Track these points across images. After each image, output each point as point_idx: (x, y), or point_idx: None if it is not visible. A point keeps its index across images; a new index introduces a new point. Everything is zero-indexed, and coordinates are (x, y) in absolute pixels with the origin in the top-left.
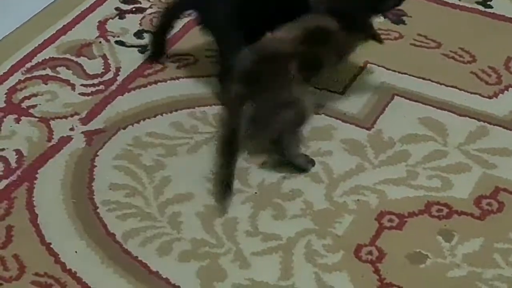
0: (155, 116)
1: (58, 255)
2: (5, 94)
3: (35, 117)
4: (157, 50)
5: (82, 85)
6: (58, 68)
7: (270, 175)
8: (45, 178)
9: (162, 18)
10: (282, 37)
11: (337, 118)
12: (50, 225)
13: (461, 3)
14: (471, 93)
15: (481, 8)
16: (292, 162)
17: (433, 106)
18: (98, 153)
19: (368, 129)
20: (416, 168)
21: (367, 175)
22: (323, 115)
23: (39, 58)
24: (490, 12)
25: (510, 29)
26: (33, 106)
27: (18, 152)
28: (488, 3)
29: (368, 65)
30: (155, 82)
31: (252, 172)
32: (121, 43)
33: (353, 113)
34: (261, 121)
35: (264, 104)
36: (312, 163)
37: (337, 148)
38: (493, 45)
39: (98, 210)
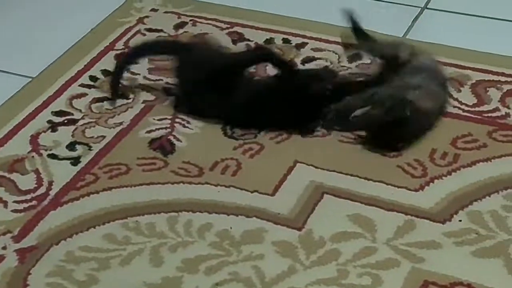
0: (87, 229)
1: None
2: None
3: None
4: (114, 92)
5: (14, 201)
6: None
7: (203, 282)
8: None
9: (123, 60)
10: None
11: (268, 220)
12: None
13: None
14: (398, 187)
15: None
16: None
17: (362, 202)
18: (31, 271)
19: (299, 229)
20: (346, 266)
21: (299, 277)
22: (254, 217)
23: None
24: None
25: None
26: None
27: None
28: None
29: (297, 164)
30: (88, 194)
31: (185, 280)
32: (53, 156)
33: (284, 214)
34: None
35: None
36: None
37: (269, 251)
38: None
39: None
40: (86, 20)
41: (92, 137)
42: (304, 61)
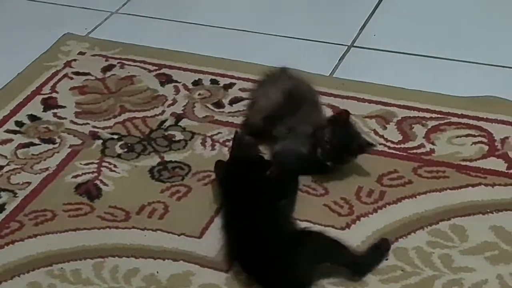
0: (12, 278)
1: None
2: None
3: None
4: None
5: None
6: None
7: None
8: None
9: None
10: None
11: (195, 263)
12: None
13: None
14: (325, 225)
15: None
16: None
17: None
18: None
19: (226, 271)
20: None
21: None
22: (181, 261)
23: None
24: None
25: (360, 159)
26: None
27: None
28: None
29: None
30: (12, 242)
31: None
32: None
33: (211, 257)
34: None
35: None
36: None
37: None
38: (345, 176)
39: None
40: (12, 64)
41: (17, 183)
42: (232, 102)
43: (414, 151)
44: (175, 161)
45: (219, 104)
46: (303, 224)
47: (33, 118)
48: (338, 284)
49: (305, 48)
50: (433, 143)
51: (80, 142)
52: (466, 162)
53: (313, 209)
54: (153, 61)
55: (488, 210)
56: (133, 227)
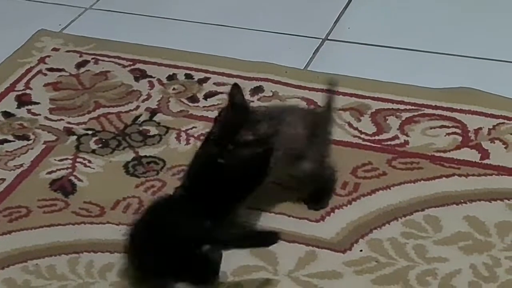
0: None
1: None
2: None
3: None
4: None
5: None
6: None
7: None
8: None
9: None
10: None
11: None
12: None
13: None
14: (299, 218)
15: None
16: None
17: None
18: None
19: None
20: None
21: None
22: None
23: None
24: None
25: (335, 151)
26: None
27: None
28: None
29: None
30: None
31: None
32: None
33: None
34: None
35: None
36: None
37: None
38: None
39: None
40: None
41: None
42: (206, 96)
43: (388, 142)
44: (150, 156)
45: (193, 99)
46: (277, 217)
47: (7, 115)
48: (312, 276)
49: (280, 42)
50: (407, 135)
51: (54, 138)
52: (440, 153)
53: (287, 202)
54: (127, 56)
55: (462, 201)
56: (108, 222)
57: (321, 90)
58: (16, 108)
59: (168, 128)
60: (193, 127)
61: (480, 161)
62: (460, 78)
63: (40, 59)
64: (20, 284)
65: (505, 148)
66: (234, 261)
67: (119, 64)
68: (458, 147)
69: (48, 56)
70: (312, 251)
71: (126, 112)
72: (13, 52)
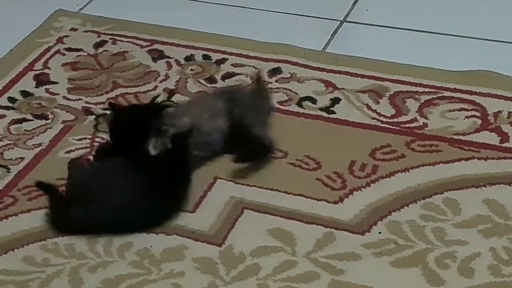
0: (6, 253)
1: None
2: None
3: None
4: None
5: None
6: None
7: None
8: None
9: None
10: None
11: (188, 237)
12: None
13: (305, 111)
14: (318, 199)
15: (324, 114)
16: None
17: (282, 216)
18: None
19: (220, 245)
20: (267, 281)
21: None
22: (174, 235)
23: None
24: (333, 118)
25: (353, 133)
26: None
27: None
28: (331, 109)
29: (218, 180)
30: (6, 217)
31: None
32: None
33: (204, 231)
34: None
35: None
36: None
37: (189, 268)
38: (337, 150)
39: None
40: (4, 40)
41: (10, 159)
42: (224, 77)
43: (407, 125)
44: None
45: (211, 79)
46: (296, 199)
47: (25, 94)
48: (331, 257)
49: (298, 23)
50: (426, 117)
51: (72, 117)
52: (459, 136)
53: (305, 183)
54: (145, 36)
55: (481, 184)
56: None
57: (339, 72)
58: (35, 87)
59: None
60: None
61: (499, 144)
62: (480, 61)
63: (58, 39)
64: (40, 262)
65: None
66: (252, 242)
67: (137, 44)
68: (477, 130)
69: (66, 36)
70: (330, 232)
71: (144, 92)
72: (31, 32)
